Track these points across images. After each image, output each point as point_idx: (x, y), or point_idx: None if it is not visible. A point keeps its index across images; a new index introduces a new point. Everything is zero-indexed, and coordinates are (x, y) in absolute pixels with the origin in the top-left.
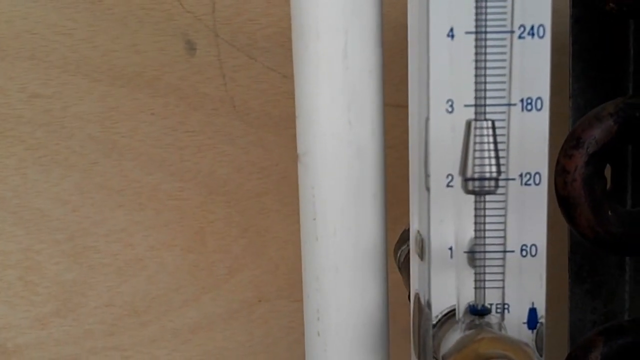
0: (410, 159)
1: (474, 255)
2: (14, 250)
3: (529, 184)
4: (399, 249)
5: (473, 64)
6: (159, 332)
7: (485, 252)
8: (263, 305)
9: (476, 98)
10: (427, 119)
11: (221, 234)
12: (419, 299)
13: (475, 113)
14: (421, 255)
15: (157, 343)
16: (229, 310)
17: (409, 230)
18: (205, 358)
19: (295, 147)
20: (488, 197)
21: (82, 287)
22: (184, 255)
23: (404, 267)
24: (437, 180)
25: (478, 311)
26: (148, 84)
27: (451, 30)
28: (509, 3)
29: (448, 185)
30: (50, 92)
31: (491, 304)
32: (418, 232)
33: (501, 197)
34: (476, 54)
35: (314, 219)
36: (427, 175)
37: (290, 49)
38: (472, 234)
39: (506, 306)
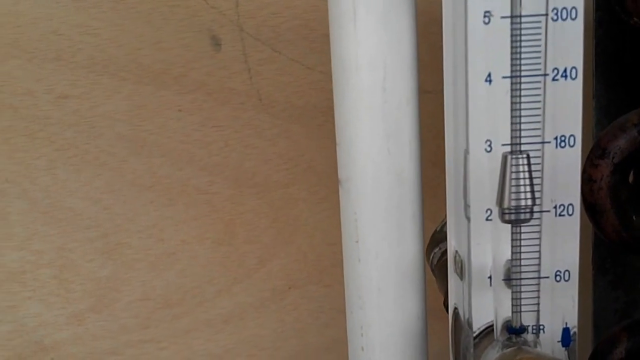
0: (447, 185)
1: (511, 282)
2: (47, 249)
3: (563, 215)
4: (432, 252)
5: (509, 106)
6: (193, 323)
7: (521, 278)
8: (293, 292)
9: (512, 137)
10: (467, 152)
11: (251, 225)
12: (457, 313)
13: (512, 150)
14: (460, 276)
15: (192, 334)
16: (260, 298)
17: (439, 232)
18: (239, 346)
19: (320, 137)
20: (524, 226)
21: (116, 282)
22: (215, 247)
23: (438, 270)
24: (477, 214)
25: (516, 330)
26: (175, 80)
27: (489, 75)
28: (542, 48)
29: (487, 219)
30: (78, 93)
31: (527, 326)
32: (457, 252)
33: (536, 227)
34: (512, 96)
35: (356, 242)
36: (467, 206)
37: (313, 41)
38: (509, 256)
39: (541, 327)
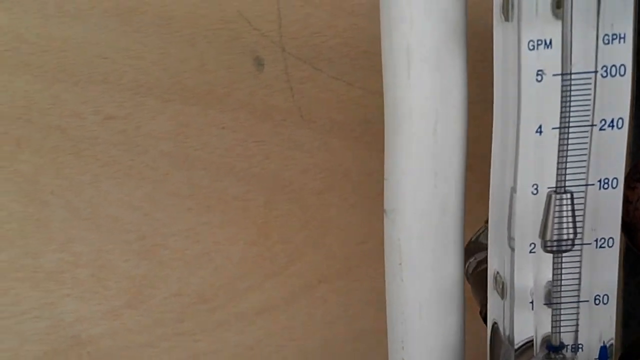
0: (490, 215)
1: (552, 305)
2: (85, 251)
3: (603, 247)
4: (466, 262)
5: (557, 153)
6: (225, 316)
7: (561, 302)
8: (322, 286)
9: (557, 180)
10: (514, 190)
11: (283, 228)
12: (497, 329)
13: (556, 190)
14: (501, 295)
15: (224, 326)
16: (291, 292)
17: (474, 242)
18: (269, 337)
19: (357, 148)
20: (565, 255)
21: (152, 280)
22: (248, 247)
23: (473, 279)
24: (521, 246)
25: (555, 348)
26: (218, 100)
27: (540, 127)
28: (591, 102)
29: (531, 252)
30: (123, 114)
31: (566, 345)
32: (498, 273)
33: (577, 257)
34: (560, 145)
35: (400, 264)
36: (510, 238)
37: (353, 58)
38: (550, 279)
39: (580, 345)
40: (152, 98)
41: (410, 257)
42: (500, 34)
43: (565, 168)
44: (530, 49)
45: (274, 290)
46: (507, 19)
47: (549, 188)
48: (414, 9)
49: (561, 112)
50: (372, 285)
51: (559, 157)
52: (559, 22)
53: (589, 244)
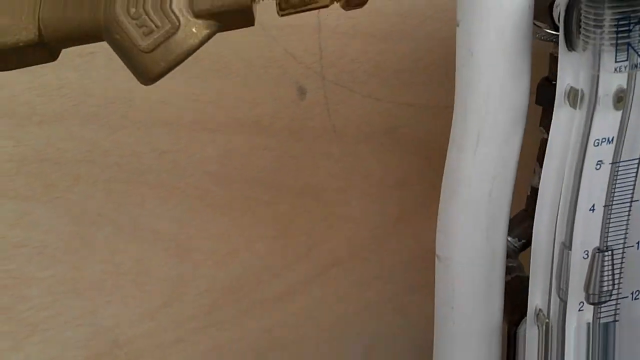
0: (533, 256)
1: None
2: (126, 261)
3: (637, 299)
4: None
5: (602, 223)
6: (250, 304)
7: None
8: (335, 269)
9: (600, 243)
10: (566, 247)
11: (305, 222)
12: None
13: (600, 249)
14: (545, 335)
15: (247, 315)
16: (307, 277)
17: None
18: (287, 319)
19: (382, 152)
20: (603, 305)
21: (185, 280)
22: (272, 241)
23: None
24: (571, 305)
25: None
26: (264, 129)
27: (593, 206)
28: (632, 182)
29: (579, 310)
30: (177, 148)
31: None
32: (540, 311)
33: (613, 307)
34: (604, 219)
35: (452, 308)
36: (560, 288)
37: (384, 78)
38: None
39: None
40: (205, 132)
41: (461, 301)
42: (563, 118)
43: (608, 235)
44: (595, 146)
45: (292, 277)
46: (573, 106)
47: (595, 248)
48: (490, 104)
49: (607, 191)
50: (381, 260)
51: (602, 227)
52: (619, 113)
53: (626, 297)
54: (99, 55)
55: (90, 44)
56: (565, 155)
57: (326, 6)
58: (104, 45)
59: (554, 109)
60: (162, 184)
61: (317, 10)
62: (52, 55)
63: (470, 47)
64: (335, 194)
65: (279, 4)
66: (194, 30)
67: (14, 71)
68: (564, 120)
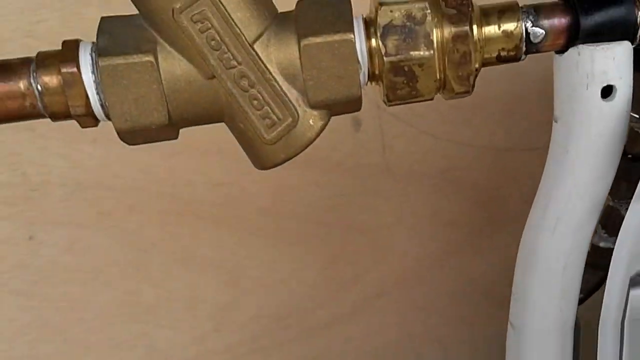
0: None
1: None
2: (179, 286)
3: None
4: None
5: None
6: (296, 332)
7: None
8: (381, 299)
9: None
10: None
11: (353, 253)
12: None
13: None
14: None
15: (295, 341)
16: (353, 306)
17: None
18: (332, 347)
19: (431, 193)
20: None
21: (234, 306)
22: (320, 271)
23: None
24: None
25: None
26: (318, 163)
27: None
28: None
29: None
30: (230, 180)
31: None
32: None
33: None
34: None
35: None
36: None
37: (443, 112)
38: None
39: None
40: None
41: None
42: None
43: None
44: None
45: (338, 306)
46: None
47: None
48: (572, 197)
49: None
50: (425, 293)
51: None
52: None
53: None
54: None
55: None
56: None
57: (431, 99)
58: None
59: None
60: (214, 216)
61: None
62: (176, 134)
63: (566, 145)
64: (383, 229)
65: (386, 96)
66: (311, 122)
67: None
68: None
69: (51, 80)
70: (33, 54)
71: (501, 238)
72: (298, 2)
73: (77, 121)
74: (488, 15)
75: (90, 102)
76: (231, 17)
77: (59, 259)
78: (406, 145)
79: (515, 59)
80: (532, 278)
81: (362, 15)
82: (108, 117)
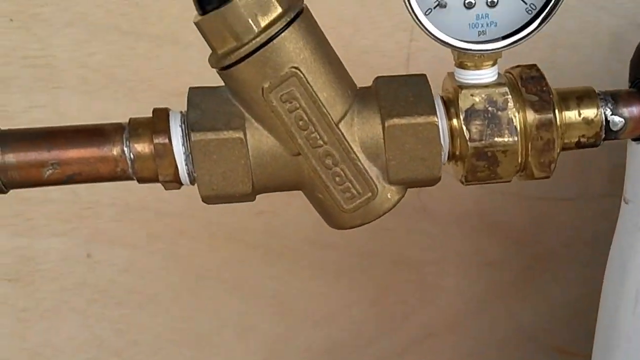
0: None
1: None
2: (231, 315)
3: None
4: None
5: None
6: None
7: None
8: (430, 340)
9: None
10: None
11: (401, 291)
12: None
13: None
14: None
15: None
16: (403, 347)
17: None
18: None
19: (473, 235)
20: None
21: (284, 337)
22: (368, 308)
23: None
24: None
25: None
26: None
27: None
28: None
29: None
30: (273, 209)
31: None
32: None
33: None
34: None
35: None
36: None
37: None
38: None
39: None
40: (300, 197)
41: None
42: None
43: None
44: None
45: (387, 345)
46: None
47: None
48: None
49: None
50: (474, 336)
51: None
52: None
53: None
54: None
55: None
56: None
57: (508, 181)
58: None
59: None
60: (260, 244)
61: (406, 71)
62: (254, 198)
63: (638, 223)
64: (429, 266)
65: (465, 177)
66: (388, 196)
67: (115, 110)
68: None
69: (143, 149)
70: (86, 84)
71: (544, 282)
72: (376, 78)
73: (163, 185)
74: (566, 99)
75: (178, 171)
76: (318, 97)
77: (117, 279)
78: (442, 191)
79: (594, 145)
80: (616, 357)
81: (440, 94)
82: (193, 183)
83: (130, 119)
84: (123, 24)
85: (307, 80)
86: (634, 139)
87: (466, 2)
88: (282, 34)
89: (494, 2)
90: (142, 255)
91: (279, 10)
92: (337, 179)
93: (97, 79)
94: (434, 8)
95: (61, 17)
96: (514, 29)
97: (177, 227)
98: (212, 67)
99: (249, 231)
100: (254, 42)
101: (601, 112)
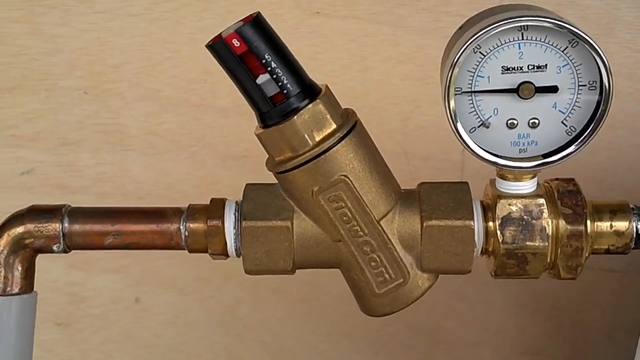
0: None
1: None
2: None
3: None
4: None
5: None
6: None
7: None
8: None
9: None
10: None
11: None
12: None
13: None
14: None
15: None
16: None
17: None
18: None
19: (516, 305)
20: None
21: None
22: None
23: None
24: None
25: None
26: None
27: None
28: None
29: None
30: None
31: None
32: None
33: None
34: None
35: None
36: None
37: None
38: None
39: None
40: None
41: None
42: None
43: None
44: None
45: None
46: None
47: None
48: None
49: None
50: None
51: None
52: None
53: None
54: (250, 159)
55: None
56: None
57: (536, 277)
58: (257, 150)
59: None
60: (303, 298)
61: (461, 149)
62: (294, 272)
63: None
64: (467, 347)
65: (495, 271)
66: (419, 283)
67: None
68: None
69: (197, 228)
70: (153, 150)
71: None
72: (420, 183)
73: (210, 256)
74: (600, 212)
75: (227, 247)
76: (363, 199)
77: (163, 333)
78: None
79: (623, 253)
80: None
81: (480, 200)
82: (239, 256)
83: (189, 205)
84: (193, 98)
85: (354, 185)
86: None
87: (508, 122)
88: (335, 148)
89: (536, 123)
90: (190, 304)
91: (334, 126)
92: (373, 263)
93: (163, 143)
94: (478, 127)
95: (134, 92)
96: (555, 148)
97: (223, 271)
98: (269, 170)
99: (291, 279)
100: (308, 154)
101: (633, 226)
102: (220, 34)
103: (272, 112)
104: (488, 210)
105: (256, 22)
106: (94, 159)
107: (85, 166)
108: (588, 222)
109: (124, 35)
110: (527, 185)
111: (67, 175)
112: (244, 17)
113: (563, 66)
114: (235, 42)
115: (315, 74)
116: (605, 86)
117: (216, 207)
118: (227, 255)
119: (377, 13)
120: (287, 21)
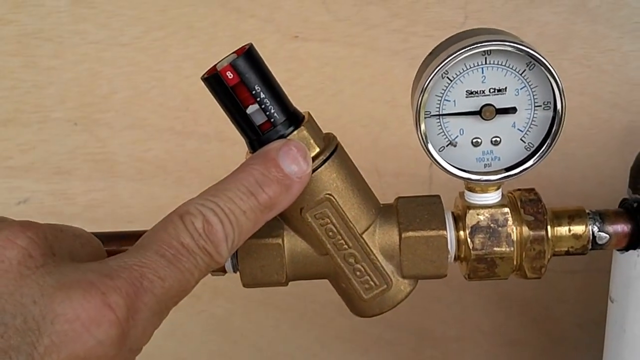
0: None
1: None
2: None
3: None
4: None
5: None
6: None
7: None
8: None
9: None
10: None
11: None
12: None
13: None
14: None
15: None
16: None
17: None
18: None
19: (489, 305)
20: None
21: None
22: None
23: None
24: None
25: None
26: None
27: None
28: None
29: None
30: None
31: None
32: None
33: None
34: None
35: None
36: None
37: None
38: None
39: None
40: None
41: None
42: None
43: None
44: None
45: None
46: None
47: None
48: None
49: None
50: None
51: None
52: None
53: None
54: None
55: None
56: None
57: (505, 279)
58: None
59: None
60: (290, 307)
61: (430, 163)
62: (287, 284)
63: (623, 325)
64: (452, 343)
65: (468, 275)
66: (402, 287)
67: (164, 194)
68: None
69: None
70: (141, 175)
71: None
72: (397, 198)
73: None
74: (559, 217)
75: (224, 264)
76: (346, 215)
77: (163, 344)
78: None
79: (582, 254)
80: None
81: (451, 211)
82: (236, 272)
83: None
84: (177, 125)
85: (338, 203)
86: (618, 249)
87: (473, 140)
88: (319, 169)
89: (498, 140)
90: (183, 319)
91: (317, 150)
92: (358, 273)
93: (150, 169)
94: (446, 146)
95: (122, 121)
96: (516, 162)
97: (212, 286)
98: None
99: (278, 294)
100: None
101: (589, 229)
102: (215, 66)
103: (261, 139)
104: (459, 220)
105: (249, 54)
106: (85, 186)
107: (77, 194)
108: (549, 227)
109: (113, 65)
110: (493, 196)
111: (60, 203)
112: (237, 48)
113: (521, 88)
114: (229, 75)
115: (291, 98)
116: (558, 107)
117: None
118: (224, 272)
119: (351, 35)
120: (267, 46)
